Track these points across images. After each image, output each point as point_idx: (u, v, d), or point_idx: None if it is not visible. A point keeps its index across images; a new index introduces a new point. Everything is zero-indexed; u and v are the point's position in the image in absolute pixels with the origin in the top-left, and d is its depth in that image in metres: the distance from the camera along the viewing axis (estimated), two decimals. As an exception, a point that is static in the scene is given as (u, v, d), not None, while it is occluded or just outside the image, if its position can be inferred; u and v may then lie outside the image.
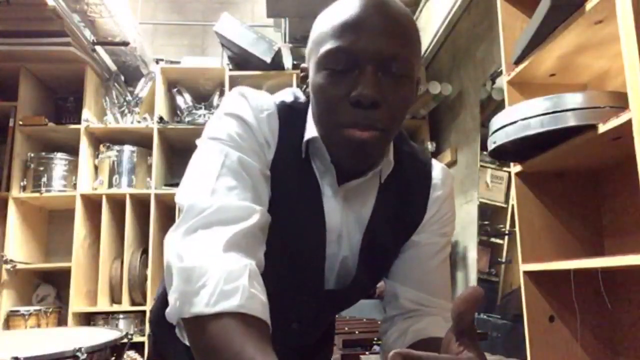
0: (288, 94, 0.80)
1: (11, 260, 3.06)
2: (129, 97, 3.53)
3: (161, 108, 3.37)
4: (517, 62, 1.50)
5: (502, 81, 1.62)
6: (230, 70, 3.39)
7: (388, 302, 0.87)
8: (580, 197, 1.57)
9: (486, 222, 2.40)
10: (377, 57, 0.66)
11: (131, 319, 3.14)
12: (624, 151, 1.17)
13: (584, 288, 1.47)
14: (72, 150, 3.26)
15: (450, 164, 2.90)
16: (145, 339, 2.81)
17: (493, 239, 2.35)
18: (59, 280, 3.32)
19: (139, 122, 3.38)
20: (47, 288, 3.35)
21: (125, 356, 1.72)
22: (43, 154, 3.27)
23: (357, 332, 1.82)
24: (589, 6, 1.18)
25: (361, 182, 0.76)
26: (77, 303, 3.10)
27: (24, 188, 3.19)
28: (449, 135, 3.08)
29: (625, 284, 1.44)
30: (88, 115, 3.28)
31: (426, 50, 3.10)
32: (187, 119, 3.43)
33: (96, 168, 3.38)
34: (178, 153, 3.64)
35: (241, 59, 3.35)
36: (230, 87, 2.59)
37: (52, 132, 3.30)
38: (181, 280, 0.57)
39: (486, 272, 2.35)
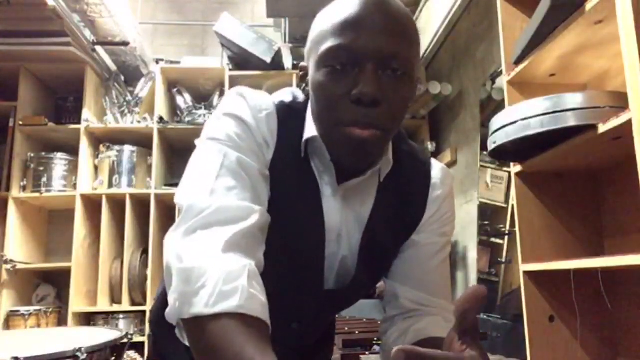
0: (287, 94, 0.81)
1: (11, 260, 3.06)
2: (129, 97, 3.53)
3: (161, 108, 3.37)
4: (517, 62, 1.50)
5: (502, 81, 1.62)
6: (230, 70, 3.39)
7: (388, 302, 0.87)
8: (580, 197, 1.57)
9: (486, 222, 2.40)
10: (377, 55, 0.66)
11: (131, 319, 3.14)
12: (624, 151, 1.17)
13: (584, 288, 1.47)
14: (72, 150, 3.26)
15: (450, 164, 2.90)
16: (145, 339, 2.81)
17: (493, 239, 2.35)
18: (59, 280, 3.32)
19: (139, 122, 3.38)
20: (47, 288, 3.35)
21: (125, 356, 1.72)
22: (43, 154, 3.27)
23: (357, 332, 1.83)
24: (589, 6, 1.18)
25: (360, 181, 0.76)
26: (77, 303, 3.10)
27: (24, 188, 3.19)
28: (449, 135, 3.08)
29: (625, 284, 1.44)
30: (88, 115, 3.28)
31: (426, 50, 3.10)
32: (187, 119, 3.43)
33: (96, 168, 3.38)
34: (178, 153, 3.64)
35: (241, 59, 3.35)
36: (230, 87, 2.58)
37: (52, 132, 3.30)
38: (180, 281, 0.57)
39: (486, 272, 2.35)
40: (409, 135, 0.88)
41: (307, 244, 0.78)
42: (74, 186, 3.23)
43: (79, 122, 3.26)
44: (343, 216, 0.78)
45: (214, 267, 0.57)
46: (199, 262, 0.58)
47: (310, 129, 0.75)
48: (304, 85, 0.78)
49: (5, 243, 3.08)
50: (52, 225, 3.57)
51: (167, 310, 0.59)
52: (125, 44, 3.31)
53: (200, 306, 0.54)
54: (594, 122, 1.17)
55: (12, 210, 3.12)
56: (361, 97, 0.66)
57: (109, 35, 3.24)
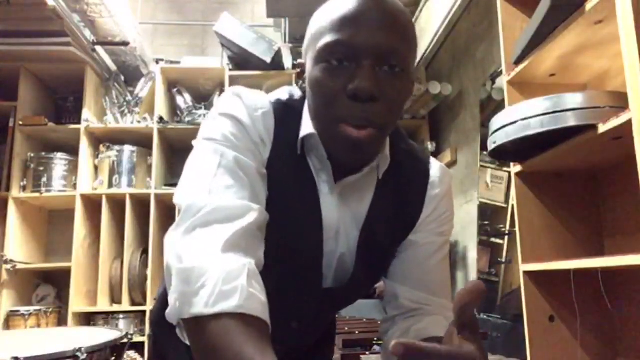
0: (283, 92, 0.81)
1: (11, 260, 3.06)
2: (129, 97, 3.53)
3: (161, 108, 3.37)
4: (517, 62, 1.50)
5: (502, 81, 1.62)
6: (230, 70, 3.39)
7: (388, 302, 0.87)
8: (580, 197, 1.57)
9: (486, 222, 2.40)
10: (375, 51, 0.67)
11: (131, 319, 3.14)
12: (624, 151, 1.18)
13: (584, 288, 1.47)
14: (72, 150, 3.26)
15: (450, 164, 2.90)
16: (145, 339, 2.81)
17: (493, 239, 2.35)
18: (59, 280, 3.33)
19: (139, 122, 3.39)
20: (47, 288, 3.35)
21: (125, 356, 1.72)
22: (43, 154, 3.27)
23: (357, 332, 1.82)
24: (589, 6, 1.18)
25: (358, 179, 0.76)
26: (77, 303, 3.10)
27: (24, 188, 3.19)
28: (449, 135, 3.08)
29: (625, 284, 1.44)
30: (88, 115, 3.28)
31: (426, 50, 3.10)
32: (187, 119, 3.43)
33: (96, 168, 3.39)
34: (178, 153, 3.64)
35: (241, 59, 3.35)
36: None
37: (52, 132, 3.30)
38: (180, 281, 0.57)
39: (486, 272, 2.35)
40: (409, 135, 0.88)
41: (305, 242, 0.78)
42: (74, 186, 3.23)
43: (79, 122, 3.26)
44: (341, 213, 0.78)
45: (213, 266, 0.57)
46: (198, 262, 0.58)
47: (307, 127, 0.75)
48: (301, 82, 0.78)
49: (5, 243, 3.08)
50: (52, 225, 3.57)
51: (168, 310, 0.59)
52: (125, 44, 3.31)
53: (200, 306, 0.54)
54: (594, 122, 1.17)
55: (12, 210, 3.12)
56: (358, 92, 0.66)
57: (109, 35, 3.24)
